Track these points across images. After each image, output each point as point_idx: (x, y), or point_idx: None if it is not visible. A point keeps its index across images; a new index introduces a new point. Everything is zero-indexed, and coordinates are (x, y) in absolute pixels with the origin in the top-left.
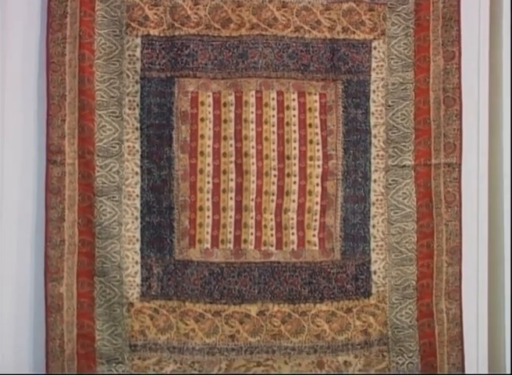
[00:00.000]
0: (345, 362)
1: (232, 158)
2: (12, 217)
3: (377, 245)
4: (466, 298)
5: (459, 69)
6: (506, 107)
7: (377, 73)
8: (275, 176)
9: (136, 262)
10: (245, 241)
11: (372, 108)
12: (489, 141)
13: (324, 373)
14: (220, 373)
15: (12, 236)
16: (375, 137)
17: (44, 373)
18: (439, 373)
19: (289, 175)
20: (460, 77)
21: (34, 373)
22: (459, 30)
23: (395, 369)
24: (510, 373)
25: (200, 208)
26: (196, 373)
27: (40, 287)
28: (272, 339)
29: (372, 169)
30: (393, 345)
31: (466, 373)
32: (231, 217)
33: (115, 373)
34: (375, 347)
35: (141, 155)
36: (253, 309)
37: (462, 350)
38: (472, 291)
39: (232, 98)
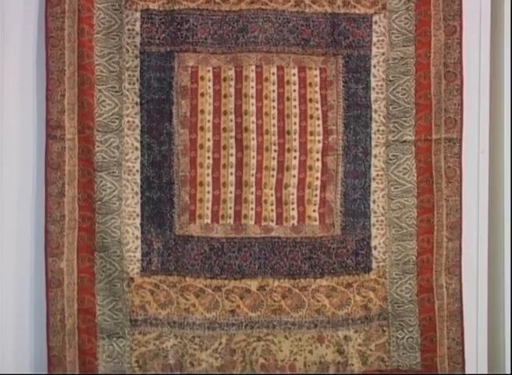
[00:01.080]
0: (345, 336)
1: (233, 134)
2: (12, 193)
3: (377, 220)
4: (466, 273)
5: (460, 43)
6: (507, 82)
7: (378, 48)
8: (275, 151)
9: (137, 238)
10: (245, 217)
11: (373, 83)
12: (490, 116)
13: (324, 347)
14: (221, 347)
15: (11, 211)
16: (376, 112)
17: (46, 348)
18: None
19: (289, 150)
20: (461, 52)
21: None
22: (460, 5)
23: (395, 343)
24: (509, 348)
25: (201, 184)
26: (196, 347)
27: (41, 262)
28: (272, 314)
29: (373, 144)
30: (393, 320)
31: (465, 347)
32: (231, 192)
33: (116, 347)
34: (375, 322)
35: (141, 130)
36: (253, 284)
37: (462, 325)
38: (472, 266)
39: (232, 73)
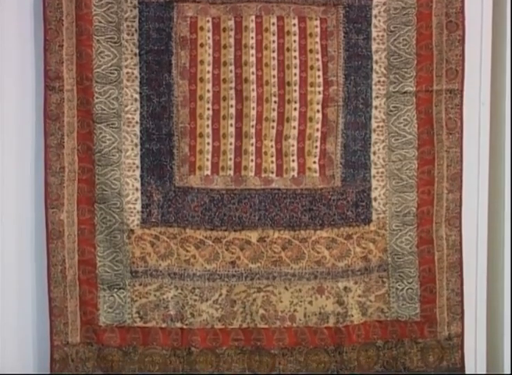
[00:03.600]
0: (345, 288)
1: (232, 85)
2: (12, 145)
3: (377, 172)
4: (466, 224)
5: None
6: (509, 33)
7: None
8: (275, 102)
9: (137, 189)
10: (245, 168)
11: (374, 34)
12: (492, 68)
13: (324, 298)
14: (221, 298)
15: (11, 163)
16: (377, 63)
17: (47, 298)
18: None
19: (289, 101)
20: (463, 2)
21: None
22: None
23: (394, 294)
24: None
25: (200, 135)
26: (197, 298)
27: (41, 214)
28: (272, 265)
29: (373, 95)
30: (393, 271)
31: (465, 299)
32: (231, 144)
33: (117, 298)
34: (375, 273)
35: (140, 82)
36: (253, 236)
37: (461, 276)
38: (472, 217)
39: (231, 23)
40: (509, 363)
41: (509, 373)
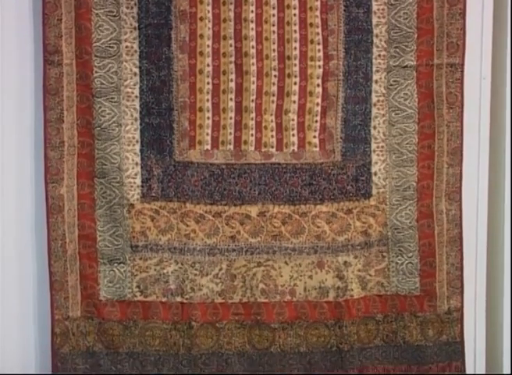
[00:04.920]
0: (345, 262)
1: (232, 59)
2: (11, 118)
3: (378, 146)
4: (466, 198)
5: None
6: (509, 7)
7: None
8: (275, 76)
9: (136, 164)
10: (245, 143)
11: (374, 7)
12: (493, 41)
13: (324, 273)
14: (221, 272)
15: (11, 138)
16: (377, 36)
17: (48, 272)
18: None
19: (289, 75)
20: None
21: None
22: None
23: (394, 269)
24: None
25: (200, 109)
26: (197, 273)
27: (41, 188)
28: (272, 240)
29: (374, 69)
30: (393, 246)
31: (464, 272)
32: (231, 118)
33: (117, 272)
34: (375, 247)
35: (140, 56)
36: (253, 210)
37: (461, 250)
38: (472, 191)
39: None
40: (508, 337)
41: (508, 343)
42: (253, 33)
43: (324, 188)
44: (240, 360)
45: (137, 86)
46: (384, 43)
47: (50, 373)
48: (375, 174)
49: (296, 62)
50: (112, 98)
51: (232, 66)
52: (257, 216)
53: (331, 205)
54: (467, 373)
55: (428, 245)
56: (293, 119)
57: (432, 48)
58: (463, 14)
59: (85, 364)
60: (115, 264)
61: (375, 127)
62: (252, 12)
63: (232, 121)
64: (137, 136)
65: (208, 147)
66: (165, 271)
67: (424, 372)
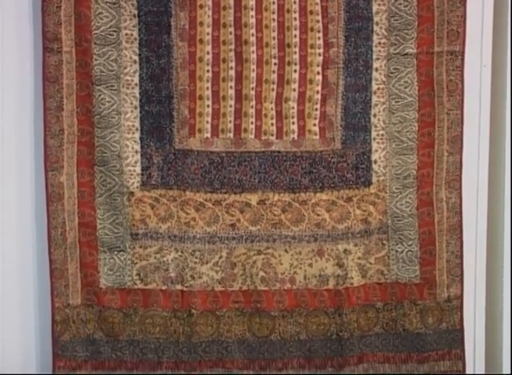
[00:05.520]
0: (345, 250)
1: (232, 46)
2: (11, 108)
3: (378, 134)
4: (466, 187)
5: None
6: None
7: None
8: (275, 64)
9: (136, 152)
10: (245, 131)
11: None
12: (493, 29)
13: (324, 261)
14: (221, 260)
15: (10, 125)
16: (377, 24)
17: (48, 260)
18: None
19: (289, 63)
20: None
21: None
22: None
23: (394, 257)
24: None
25: (200, 97)
26: (197, 261)
27: (41, 176)
28: (272, 228)
29: (374, 57)
30: (393, 234)
31: (464, 260)
32: (231, 106)
33: (117, 260)
34: (375, 235)
35: (139, 43)
36: (253, 198)
37: (461, 238)
38: (472, 179)
39: None
40: (508, 324)
41: (508, 331)
42: (253, 20)
43: (324, 176)
44: (240, 348)
45: (137, 74)
46: (384, 31)
47: (50, 372)
48: (375, 162)
49: (297, 49)
50: (111, 86)
51: (232, 53)
52: (257, 204)
53: (331, 193)
54: (467, 359)
55: (428, 233)
56: (293, 107)
57: (433, 35)
58: (463, 1)
59: (85, 351)
60: (115, 252)
61: (375, 115)
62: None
63: (232, 109)
64: (137, 124)
65: (208, 135)
66: (165, 259)
67: (423, 359)
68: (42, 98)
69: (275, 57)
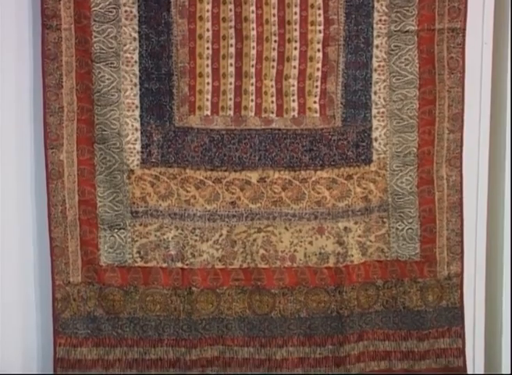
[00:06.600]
0: (345, 228)
1: (232, 23)
2: (9, 84)
3: (378, 112)
4: (466, 164)
5: None
6: None
7: None
8: (275, 41)
9: (136, 129)
10: (245, 108)
11: None
12: (495, 5)
13: (324, 238)
14: (222, 238)
15: (10, 102)
16: (378, 1)
17: (48, 238)
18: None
19: (289, 40)
20: None
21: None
22: None
23: (394, 234)
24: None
25: (200, 75)
26: (197, 238)
27: (41, 154)
28: (272, 205)
29: (375, 34)
30: (393, 211)
31: (464, 238)
32: (231, 84)
33: (118, 238)
34: (375, 213)
35: (139, 20)
36: (253, 176)
37: (461, 216)
38: (473, 157)
39: None
40: (508, 302)
41: (508, 308)
42: None
43: (324, 154)
44: (241, 325)
45: (137, 51)
46: (385, 7)
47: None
48: (376, 140)
49: (297, 26)
50: (111, 64)
51: (232, 30)
52: (258, 181)
53: (331, 170)
54: (466, 337)
55: (429, 211)
56: (293, 85)
57: (434, 12)
58: None
59: (86, 329)
60: (116, 230)
61: (375, 93)
62: None
63: (232, 86)
64: (137, 101)
65: (208, 112)
66: (165, 237)
67: (423, 337)
68: (41, 76)
69: (275, 34)
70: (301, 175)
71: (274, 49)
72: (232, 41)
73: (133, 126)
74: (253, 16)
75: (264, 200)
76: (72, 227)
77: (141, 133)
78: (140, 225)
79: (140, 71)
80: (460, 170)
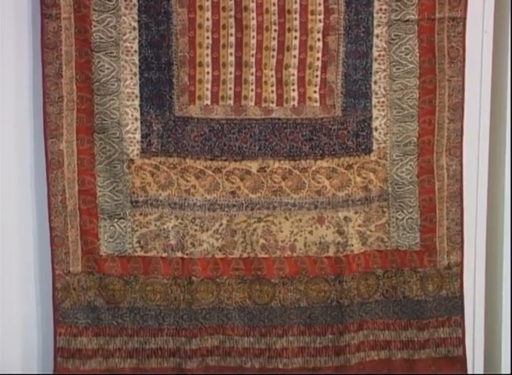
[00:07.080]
0: (345, 217)
1: (232, 13)
2: (10, 74)
3: (378, 101)
4: (466, 154)
5: None
6: None
7: None
8: (275, 31)
9: (136, 119)
10: (245, 98)
11: None
12: None
13: (324, 228)
14: (222, 228)
15: (9, 92)
16: None
17: (48, 228)
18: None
19: (289, 30)
20: None
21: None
22: None
23: (394, 224)
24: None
25: (200, 64)
26: (197, 228)
27: (40, 144)
28: (272, 195)
29: (375, 23)
30: (393, 201)
31: (464, 228)
32: (231, 73)
33: (118, 228)
34: (375, 203)
35: (139, 10)
36: (253, 166)
37: (461, 205)
38: (473, 147)
39: None
40: (508, 291)
41: (508, 297)
42: None
43: (324, 144)
44: (241, 315)
45: (136, 40)
46: None
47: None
48: (376, 129)
49: (297, 16)
50: (110, 53)
51: (232, 20)
52: (258, 171)
53: (331, 160)
54: (466, 326)
55: (429, 201)
56: (293, 74)
57: (434, 1)
58: None
59: (86, 319)
60: (116, 219)
61: (375, 82)
62: None
63: (232, 76)
64: (137, 91)
65: (208, 102)
66: (165, 226)
67: (423, 326)
68: (41, 65)
69: (275, 23)
70: (301, 164)
71: (274, 39)
72: (232, 31)
73: (132, 115)
74: (253, 5)
75: (264, 189)
76: (72, 217)
77: (141, 122)
78: (140, 215)
79: (139, 60)
80: (461, 160)
